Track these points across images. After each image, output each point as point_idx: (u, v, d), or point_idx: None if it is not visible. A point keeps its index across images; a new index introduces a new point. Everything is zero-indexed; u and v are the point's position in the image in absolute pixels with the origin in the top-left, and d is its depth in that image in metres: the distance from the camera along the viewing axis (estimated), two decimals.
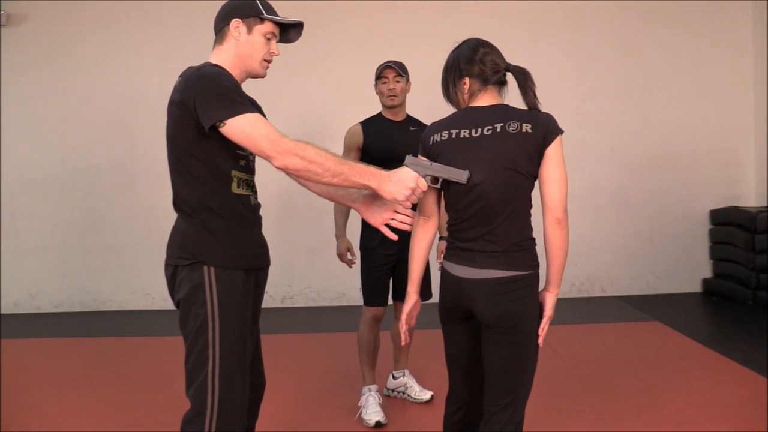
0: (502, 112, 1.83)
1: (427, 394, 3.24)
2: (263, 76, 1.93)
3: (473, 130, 1.82)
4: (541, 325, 1.87)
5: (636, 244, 5.77)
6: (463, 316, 1.91)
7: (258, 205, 1.95)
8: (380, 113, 3.17)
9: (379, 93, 3.13)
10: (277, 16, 1.91)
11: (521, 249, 1.83)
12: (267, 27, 1.89)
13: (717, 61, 5.79)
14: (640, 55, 5.74)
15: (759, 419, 2.92)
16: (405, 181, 1.77)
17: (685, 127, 5.78)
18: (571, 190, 6.40)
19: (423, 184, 1.79)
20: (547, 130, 1.79)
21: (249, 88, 1.91)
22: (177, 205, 1.87)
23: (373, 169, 1.78)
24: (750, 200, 5.79)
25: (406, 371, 3.32)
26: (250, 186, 1.91)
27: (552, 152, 1.79)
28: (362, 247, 3.15)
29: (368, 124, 3.13)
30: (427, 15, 5.59)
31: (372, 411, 3.01)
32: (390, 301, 3.20)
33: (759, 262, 5.14)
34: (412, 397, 3.25)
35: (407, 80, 3.12)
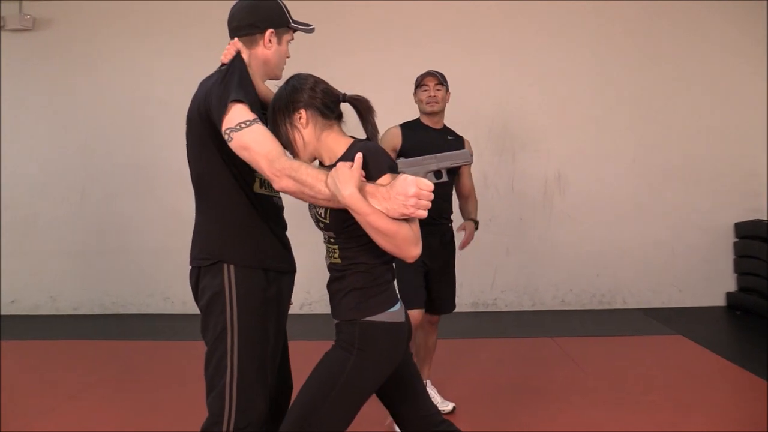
0: None
1: (449, 406, 3.18)
2: (280, 78, 1.94)
3: None
4: None
5: (658, 256, 5.69)
6: None
7: (281, 207, 1.94)
8: (418, 119, 3.16)
9: (419, 101, 3.13)
10: (296, 20, 1.94)
11: None
12: (291, 34, 1.93)
13: (739, 69, 5.70)
14: (661, 65, 5.67)
15: None
16: (403, 191, 1.54)
17: (708, 137, 5.70)
18: (592, 202, 6.33)
19: (426, 184, 1.54)
20: None
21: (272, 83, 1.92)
22: (198, 204, 1.87)
23: (369, 188, 1.61)
24: None
25: (428, 382, 3.26)
26: (272, 187, 1.91)
27: None
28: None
29: (408, 128, 3.10)
30: (447, 19, 5.56)
31: None
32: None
33: None
34: None
35: (447, 89, 3.13)
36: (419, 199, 1.53)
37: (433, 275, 3.09)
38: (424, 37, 5.52)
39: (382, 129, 3.08)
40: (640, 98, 5.68)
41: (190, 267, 1.88)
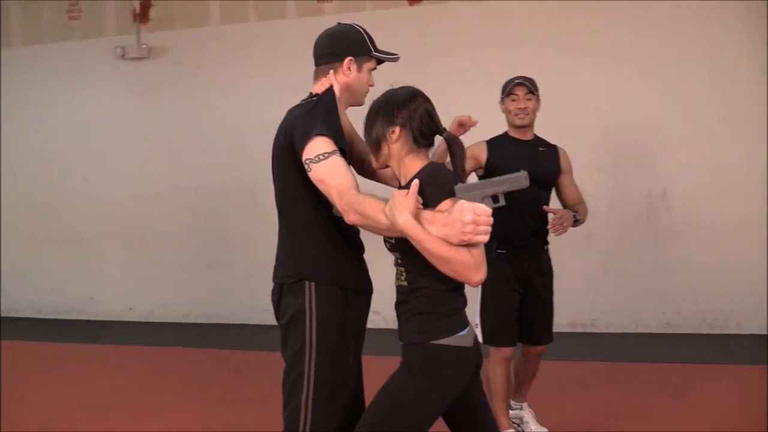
0: None
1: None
2: (363, 104, 1.99)
3: None
4: None
5: None
6: None
7: (358, 230, 1.98)
8: (506, 132, 2.99)
9: (506, 111, 2.94)
10: (379, 49, 1.97)
11: None
12: (373, 63, 1.97)
13: None
14: None
15: None
16: (459, 217, 1.52)
17: None
18: (702, 218, 5.89)
19: (483, 209, 1.53)
20: None
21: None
22: (282, 224, 1.96)
23: (427, 215, 1.60)
24: None
25: (525, 404, 3.13)
26: None
27: None
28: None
29: (494, 144, 2.93)
30: (551, 24, 5.43)
31: None
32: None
33: None
34: None
35: (538, 98, 2.92)
36: (477, 225, 1.52)
37: (526, 304, 2.90)
38: (524, 42, 5.41)
39: (474, 138, 3.01)
40: (757, 108, 5.28)
41: (272, 284, 1.97)
